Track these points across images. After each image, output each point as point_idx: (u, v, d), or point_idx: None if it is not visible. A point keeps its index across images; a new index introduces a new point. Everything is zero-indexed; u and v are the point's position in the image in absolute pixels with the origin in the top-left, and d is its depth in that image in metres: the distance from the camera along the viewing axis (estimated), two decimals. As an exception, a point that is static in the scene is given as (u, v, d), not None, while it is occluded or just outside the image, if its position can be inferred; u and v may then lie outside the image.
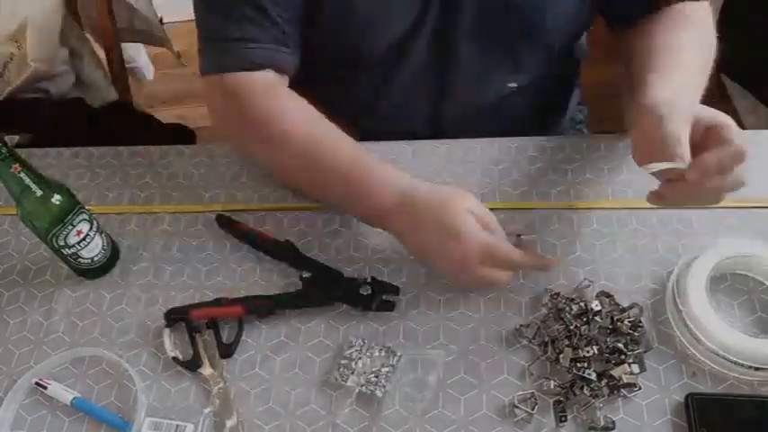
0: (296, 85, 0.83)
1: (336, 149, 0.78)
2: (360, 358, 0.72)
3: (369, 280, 0.77)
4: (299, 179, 0.84)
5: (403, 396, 0.71)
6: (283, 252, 0.82)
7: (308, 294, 0.78)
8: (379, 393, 0.69)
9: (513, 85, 0.93)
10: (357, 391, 0.70)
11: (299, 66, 0.85)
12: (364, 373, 0.71)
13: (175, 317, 0.77)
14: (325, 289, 0.78)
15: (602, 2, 0.87)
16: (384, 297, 0.77)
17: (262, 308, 0.77)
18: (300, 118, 0.79)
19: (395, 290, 0.77)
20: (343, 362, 0.72)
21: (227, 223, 0.85)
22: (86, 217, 0.78)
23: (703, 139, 0.67)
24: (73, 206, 0.76)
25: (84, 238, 0.77)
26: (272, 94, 0.80)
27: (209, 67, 0.81)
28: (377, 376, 0.70)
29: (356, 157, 0.77)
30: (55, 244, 0.76)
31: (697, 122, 0.67)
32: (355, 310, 0.77)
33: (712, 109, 0.69)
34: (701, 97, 0.77)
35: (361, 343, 0.73)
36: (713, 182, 0.66)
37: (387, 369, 0.71)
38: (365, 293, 0.76)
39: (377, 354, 0.72)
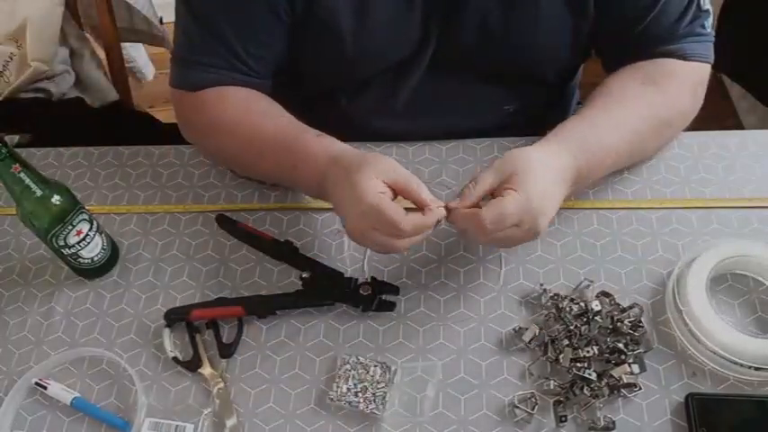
0: (290, 102, 0.85)
1: (273, 127, 0.79)
2: (354, 377, 0.71)
3: (369, 280, 0.77)
4: (246, 163, 0.85)
5: (403, 399, 0.71)
6: (283, 252, 0.82)
7: (308, 294, 0.78)
8: (378, 413, 0.69)
9: (510, 107, 0.94)
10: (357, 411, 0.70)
11: (296, 85, 0.88)
12: (361, 391, 0.70)
13: (175, 317, 0.77)
14: (325, 289, 0.78)
15: (595, 45, 0.88)
16: (384, 297, 0.77)
17: (262, 308, 0.77)
18: (242, 107, 0.82)
19: (395, 290, 0.77)
20: (337, 381, 0.71)
21: (227, 223, 0.85)
22: (86, 217, 0.78)
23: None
24: (73, 206, 0.76)
25: (84, 238, 0.77)
26: (222, 97, 0.83)
27: (175, 81, 0.87)
28: (374, 394, 0.70)
29: (289, 130, 0.78)
30: (55, 244, 0.76)
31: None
32: (355, 311, 0.77)
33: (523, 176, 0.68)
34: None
35: (355, 360, 0.72)
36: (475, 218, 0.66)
37: (382, 385, 0.70)
38: (365, 293, 0.76)
39: (371, 371, 0.71)
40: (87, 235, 0.78)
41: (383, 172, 0.68)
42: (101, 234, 0.80)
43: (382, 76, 0.88)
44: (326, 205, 0.86)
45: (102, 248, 0.81)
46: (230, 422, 0.71)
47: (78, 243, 0.77)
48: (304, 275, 0.79)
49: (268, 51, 0.84)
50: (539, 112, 0.96)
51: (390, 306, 0.76)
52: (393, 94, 0.89)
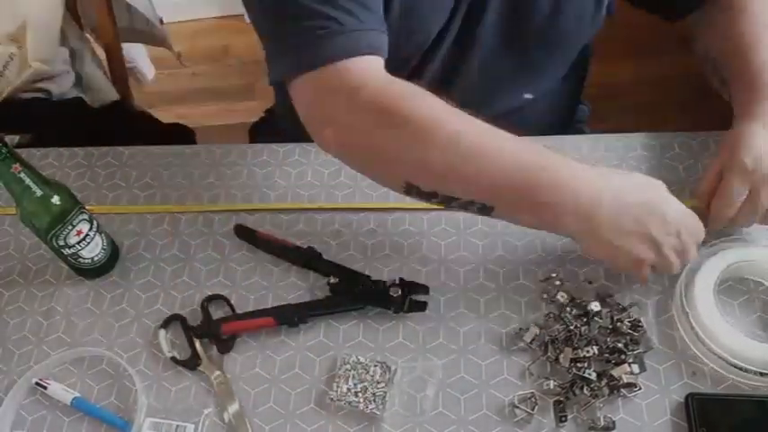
0: None
1: (500, 145, 0.68)
2: (354, 377, 0.71)
3: (397, 281, 0.76)
4: (441, 175, 0.68)
5: (403, 399, 0.71)
6: (308, 259, 0.80)
7: (339, 299, 0.77)
8: (378, 413, 0.69)
9: (529, 96, 0.93)
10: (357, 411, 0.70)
11: None
12: (361, 391, 0.70)
13: (203, 332, 0.76)
14: (354, 293, 0.77)
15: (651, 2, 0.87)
16: (414, 297, 0.75)
17: (294, 316, 0.76)
18: (439, 105, 0.68)
19: (425, 289, 0.76)
20: (337, 381, 0.71)
21: (245, 232, 0.84)
22: (86, 217, 0.78)
23: None
24: (73, 206, 0.76)
25: (84, 238, 0.77)
26: (387, 77, 0.69)
27: (295, 66, 0.69)
28: (374, 394, 0.70)
29: (530, 154, 0.68)
30: (55, 244, 0.76)
31: None
32: (356, 312, 0.77)
33: None
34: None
35: (355, 360, 0.72)
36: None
37: (383, 385, 0.70)
38: (395, 295, 0.75)
39: (371, 371, 0.71)
40: (87, 235, 0.78)
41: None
42: (101, 234, 0.80)
43: (405, 62, 0.84)
44: (327, 205, 0.87)
45: (102, 248, 0.81)
46: (233, 408, 0.71)
47: (78, 243, 0.77)
48: (331, 281, 0.77)
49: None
50: (554, 104, 0.96)
51: (422, 306, 0.75)
52: (417, 75, 0.86)
